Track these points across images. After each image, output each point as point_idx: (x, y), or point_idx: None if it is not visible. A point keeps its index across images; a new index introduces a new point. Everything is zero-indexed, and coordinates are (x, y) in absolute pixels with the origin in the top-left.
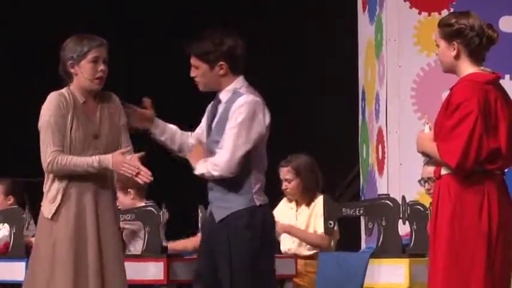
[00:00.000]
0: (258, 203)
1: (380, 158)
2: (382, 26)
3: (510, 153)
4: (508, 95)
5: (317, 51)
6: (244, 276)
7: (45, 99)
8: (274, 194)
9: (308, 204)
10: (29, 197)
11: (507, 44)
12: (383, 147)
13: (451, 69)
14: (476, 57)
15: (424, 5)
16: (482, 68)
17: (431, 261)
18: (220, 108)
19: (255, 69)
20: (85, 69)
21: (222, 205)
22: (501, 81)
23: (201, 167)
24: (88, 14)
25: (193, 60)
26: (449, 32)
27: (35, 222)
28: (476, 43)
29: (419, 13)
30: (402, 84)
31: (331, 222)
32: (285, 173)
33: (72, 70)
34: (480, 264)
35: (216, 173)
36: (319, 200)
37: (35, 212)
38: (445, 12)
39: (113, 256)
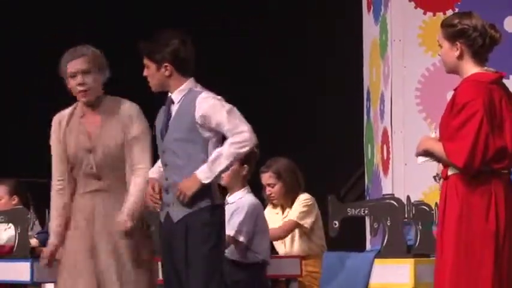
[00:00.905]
0: (216, 202)
1: (385, 158)
2: (387, 26)
3: None
4: (511, 94)
5: (318, 51)
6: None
7: (46, 99)
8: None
9: (291, 206)
10: (33, 198)
11: (511, 45)
12: (388, 147)
13: (454, 70)
14: (480, 57)
15: (429, 5)
16: (485, 68)
17: (439, 260)
18: (175, 107)
19: (257, 69)
20: (70, 85)
21: (181, 206)
22: (505, 82)
23: (219, 163)
24: (90, 14)
25: (145, 60)
26: (452, 33)
27: (40, 223)
28: (479, 43)
29: (424, 13)
30: (407, 84)
31: (336, 222)
32: (267, 178)
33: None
34: (488, 263)
35: (247, 148)
36: (299, 198)
37: (40, 213)
38: (450, 13)
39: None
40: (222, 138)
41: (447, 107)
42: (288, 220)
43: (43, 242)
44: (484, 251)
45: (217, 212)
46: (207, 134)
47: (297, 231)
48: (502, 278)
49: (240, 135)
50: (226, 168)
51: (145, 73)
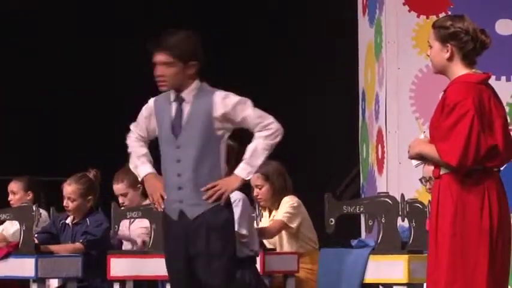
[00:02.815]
0: (228, 200)
1: (380, 157)
2: (382, 29)
3: (506, 151)
4: (497, 94)
5: (315, 52)
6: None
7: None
8: None
9: (277, 208)
10: (45, 195)
11: (503, 47)
12: (382, 147)
13: (442, 71)
14: (469, 60)
15: (423, 9)
16: (473, 70)
17: (433, 259)
18: (187, 105)
19: (253, 70)
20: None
21: (197, 202)
22: (497, 83)
23: (257, 156)
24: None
25: (167, 58)
26: (444, 34)
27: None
28: (470, 47)
29: (418, 16)
30: (401, 85)
31: (332, 219)
32: (255, 179)
33: None
34: (484, 260)
35: (279, 138)
36: (284, 200)
37: (48, 211)
38: (443, 16)
39: None
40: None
41: (437, 109)
42: (276, 220)
43: (42, 242)
44: (479, 248)
45: (231, 209)
46: (221, 132)
47: (284, 233)
48: (496, 273)
49: (270, 126)
50: (263, 161)
51: (162, 72)
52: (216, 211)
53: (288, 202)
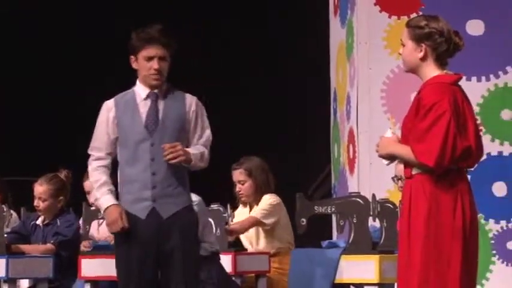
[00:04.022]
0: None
1: (351, 157)
2: (353, 30)
3: (478, 151)
4: (466, 94)
5: (287, 52)
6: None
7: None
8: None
9: (257, 205)
10: (13, 195)
11: (474, 47)
12: (354, 147)
13: (413, 70)
14: (441, 61)
15: (394, 9)
16: (445, 71)
17: (404, 259)
18: (161, 104)
19: (225, 69)
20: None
21: (171, 201)
22: (468, 84)
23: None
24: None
25: (165, 53)
26: (419, 34)
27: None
28: (444, 48)
29: (389, 17)
30: (372, 85)
31: (304, 219)
32: (238, 175)
33: None
34: (457, 259)
35: (205, 165)
36: (264, 197)
37: (17, 211)
38: (417, 15)
39: None
40: None
41: (411, 109)
42: (249, 216)
43: (11, 242)
44: (453, 247)
45: (195, 211)
46: (189, 130)
47: (261, 230)
48: (469, 271)
49: (207, 154)
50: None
51: (164, 67)
52: (188, 211)
53: (268, 200)
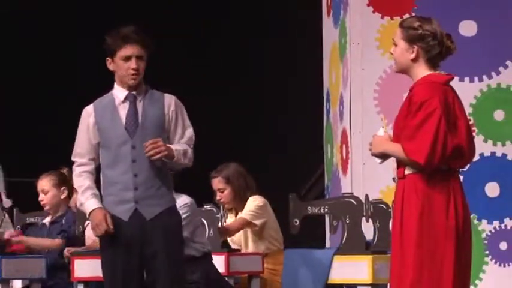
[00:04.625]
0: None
1: (344, 157)
2: (346, 30)
3: (470, 151)
4: (458, 95)
5: (279, 53)
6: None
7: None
8: None
9: (243, 209)
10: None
11: (467, 48)
12: (347, 148)
13: (405, 70)
14: (433, 63)
15: (387, 10)
16: (437, 72)
17: (397, 258)
18: (140, 105)
19: (218, 71)
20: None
21: (154, 202)
22: (460, 84)
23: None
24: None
25: (144, 53)
26: (412, 35)
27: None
28: (436, 51)
29: (382, 17)
30: (365, 86)
31: (297, 220)
32: (217, 183)
33: None
34: (450, 259)
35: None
36: (249, 200)
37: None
38: (410, 16)
39: None
40: None
41: (402, 108)
42: (238, 218)
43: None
44: (446, 247)
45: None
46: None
47: (249, 233)
48: (462, 271)
49: (191, 151)
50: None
51: (142, 66)
52: (171, 212)
53: (254, 201)
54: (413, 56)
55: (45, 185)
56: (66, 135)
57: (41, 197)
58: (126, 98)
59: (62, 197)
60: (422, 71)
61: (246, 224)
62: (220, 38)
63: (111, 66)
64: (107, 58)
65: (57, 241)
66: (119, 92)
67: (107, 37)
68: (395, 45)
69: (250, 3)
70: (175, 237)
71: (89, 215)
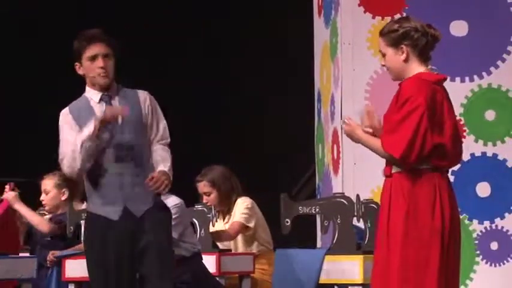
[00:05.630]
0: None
1: (335, 157)
2: (337, 30)
3: (455, 152)
4: (449, 97)
5: (271, 52)
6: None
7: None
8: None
9: (229, 211)
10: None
11: (458, 48)
12: (338, 148)
13: (401, 74)
14: (425, 56)
15: (378, 10)
16: (429, 67)
17: (382, 257)
18: (116, 103)
19: (210, 69)
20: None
21: (142, 200)
22: (452, 84)
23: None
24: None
25: (108, 50)
26: (396, 37)
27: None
28: (423, 42)
29: (373, 17)
30: (356, 86)
31: (288, 220)
32: (202, 187)
33: None
34: (435, 260)
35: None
36: (238, 202)
37: None
38: (398, 17)
39: None
40: None
41: (391, 104)
42: (234, 222)
43: None
44: (431, 248)
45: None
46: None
47: (239, 234)
48: (448, 273)
49: (168, 147)
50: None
51: (109, 64)
52: (159, 206)
53: (243, 203)
54: (403, 56)
55: (47, 186)
56: None
57: (42, 196)
58: (101, 99)
59: (63, 198)
60: (415, 67)
61: (242, 227)
62: (215, 37)
63: (80, 71)
64: (76, 63)
65: (48, 225)
66: (92, 94)
67: (73, 44)
68: (384, 55)
69: (238, 3)
70: (165, 231)
71: (93, 126)
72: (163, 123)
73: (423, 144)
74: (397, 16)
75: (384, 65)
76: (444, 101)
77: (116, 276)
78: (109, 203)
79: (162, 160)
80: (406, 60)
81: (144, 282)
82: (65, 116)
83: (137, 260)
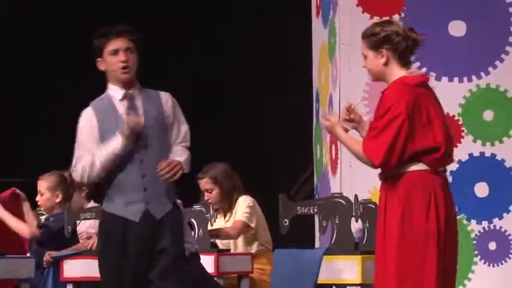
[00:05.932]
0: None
1: (333, 158)
2: (335, 30)
3: (447, 150)
4: (435, 94)
5: (270, 52)
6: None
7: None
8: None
9: (230, 209)
10: None
11: (456, 48)
12: (336, 148)
13: (380, 77)
14: (404, 60)
15: (376, 10)
16: (410, 71)
17: (381, 260)
18: (139, 104)
19: (211, 69)
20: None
21: (162, 202)
22: (450, 84)
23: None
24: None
25: (131, 44)
26: (377, 40)
27: None
28: (403, 47)
29: (371, 18)
30: (354, 86)
31: (286, 220)
32: (204, 184)
33: None
34: (432, 261)
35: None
36: (239, 201)
37: None
38: (396, 17)
39: None
40: None
41: (375, 110)
42: (237, 221)
43: None
44: (427, 250)
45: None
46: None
47: None
48: (445, 274)
49: (188, 150)
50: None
51: (130, 58)
52: (176, 210)
53: (245, 202)
54: (383, 60)
55: (42, 187)
56: (66, 135)
57: (38, 197)
58: (123, 97)
59: (57, 200)
60: (395, 72)
61: (246, 227)
62: (214, 37)
63: (102, 66)
64: (97, 60)
65: (29, 230)
66: (114, 92)
67: (94, 39)
68: (365, 57)
69: (237, 3)
70: (180, 234)
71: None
72: (185, 127)
73: (402, 152)
74: (396, 16)
75: (364, 67)
76: (430, 102)
77: (132, 277)
78: (131, 204)
79: (179, 155)
80: (386, 64)
81: (154, 284)
82: (88, 118)
83: (153, 260)
